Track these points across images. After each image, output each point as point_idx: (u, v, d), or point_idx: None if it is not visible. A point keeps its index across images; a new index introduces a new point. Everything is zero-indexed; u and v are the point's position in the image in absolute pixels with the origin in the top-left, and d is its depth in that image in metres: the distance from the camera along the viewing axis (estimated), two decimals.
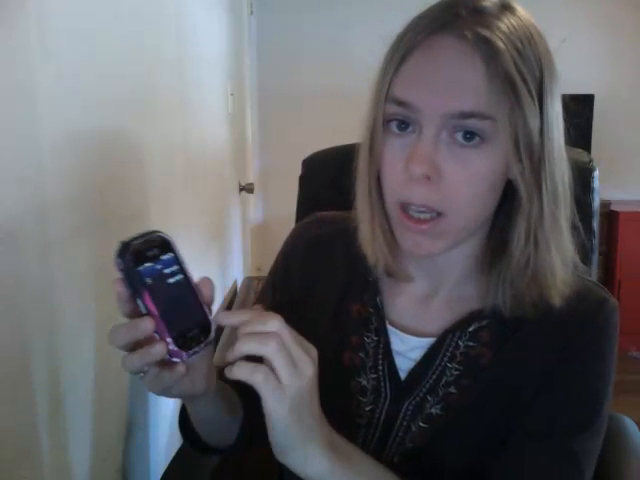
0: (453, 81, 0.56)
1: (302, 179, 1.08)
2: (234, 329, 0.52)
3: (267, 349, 0.49)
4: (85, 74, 0.76)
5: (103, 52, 0.83)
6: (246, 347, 0.50)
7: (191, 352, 0.52)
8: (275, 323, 0.51)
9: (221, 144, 2.04)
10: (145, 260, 0.50)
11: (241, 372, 0.49)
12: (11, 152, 0.59)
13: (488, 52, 0.55)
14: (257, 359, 0.50)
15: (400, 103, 0.58)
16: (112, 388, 0.87)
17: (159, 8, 1.16)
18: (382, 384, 0.69)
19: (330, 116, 2.54)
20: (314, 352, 0.54)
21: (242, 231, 2.67)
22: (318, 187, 1.04)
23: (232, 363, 0.50)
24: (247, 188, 2.50)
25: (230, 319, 0.53)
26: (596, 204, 0.93)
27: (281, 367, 0.50)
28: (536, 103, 0.57)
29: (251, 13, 3.14)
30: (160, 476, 0.90)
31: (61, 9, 0.69)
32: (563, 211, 0.62)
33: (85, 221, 0.77)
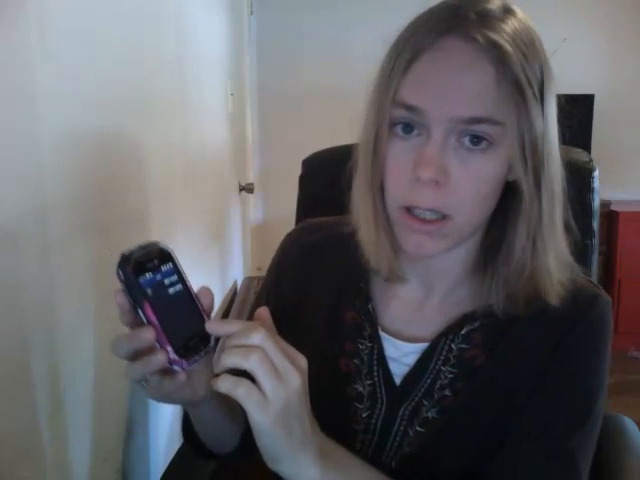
0: (462, 86, 0.56)
1: (302, 179, 1.08)
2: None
3: (249, 363, 0.50)
4: (85, 74, 0.76)
5: (103, 52, 0.83)
6: (229, 361, 0.50)
7: (191, 361, 0.52)
8: (258, 336, 0.50)
9: (221, 144, 2.04)
10: (145, 271, 0.51)
11: (224, 385, 0.50)
12: (11, 152, 0.59)
13: (497, 56, 0.55)
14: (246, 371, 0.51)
15: (408, 107, 0.58)
16: (112, 388, 0.87)
17: (159, 8, 1.17)
18: (378, 390, 0.69)
19: (330, 116, 2.53)
20: (303, 362, 0.53)
21: (242, 231, 2.67)
22: (318, 187, 1.04)
23: (218, 375, 0.51)
24: (247, 188, 2.50)
25: (218, 330, 0.54)
26: (596, 204, 0.93)
27: (264, 380, 0.50)
28: (539, 106, 0.58)
29: (251, 13, 3.14)
30: (160, 477, 0.90)
31: (61, 9, 0.69)
32: (559, 212, 0.62)
33: (85, 221, 0.77)
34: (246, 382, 0.50)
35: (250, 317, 0.78)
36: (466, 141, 0.57)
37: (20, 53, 0.61)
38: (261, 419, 0.50)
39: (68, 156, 0.72)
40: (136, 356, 0.52)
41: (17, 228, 0.60)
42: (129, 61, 0.95)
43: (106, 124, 0.85)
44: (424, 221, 0.59)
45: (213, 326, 0.54)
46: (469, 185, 0.58)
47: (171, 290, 0.52)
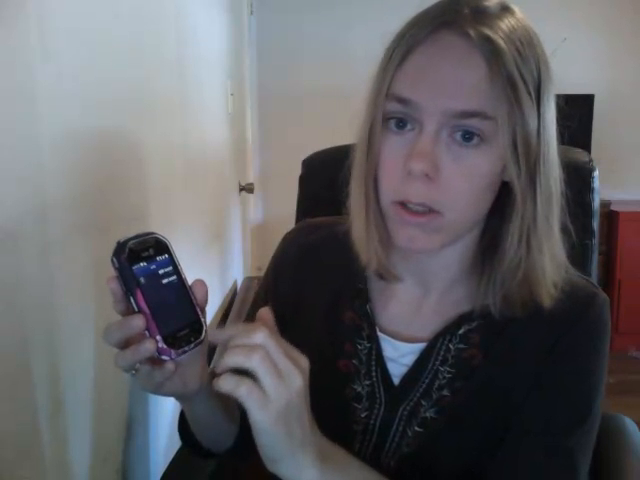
0: (455, 80, 0.56)
1: (302, 179, 1.08)
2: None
3: (251, 362, 0.50)
4: (85, 74, 0.76)
5: (103, 52, 0.83)
6: (231, 360, 0.50)
7: (180, 351, 0.53)
8: (260, 336, 0.51)
9: (221, 144, 2.04)
10: (140, 260, 0.51)
11: (226, 384, 0.50)
12: (11, 152, 0.59)
13: (490, 51, 0.56)
14: (248, 371, 0.51)
15: (401, 100, 0.58)
16: (112, 388, 0.87)
17: (159, 8, 1.16)
18: (376, 390, 0.69)
19: (330, 116, 2.53)
20: (304, 362, 0.53)
21: (242, 231, 2.67)
22: (318, 187, 1.04)
23: (220, 375, 0.51)
24: (247, 188, 2.50)
25: (219, 336, 0.54)
26: (596, 204, 0.93)
27: (266, 379, 0.50)
28: (534, 104, 0.57)
29: (251, 13, 3.14)
30: (160, 477, 0.90)
31: (61, 9, 0.69)
32: (555, 213, 0.62)
33: (85, 221, 0.77)
34: (247, 381, 0.50)
35: (248, 318, 0.79)
36: (458, 137, 0.57)
37: (20, 53, 0.61)
38: (262, 418, 0.50)
39: (68, 156, 0.72)
40: (126, 344, 0.52)
41: (17, 228, 0.60)
42: (129, 61, 0.95)
43: (106, 124, 0.85)
44: (416, 213, 0.59)
45: (214, 334, 0.54)
46: (460, 182, 0.58)
47: (165, 280, 0.53)
